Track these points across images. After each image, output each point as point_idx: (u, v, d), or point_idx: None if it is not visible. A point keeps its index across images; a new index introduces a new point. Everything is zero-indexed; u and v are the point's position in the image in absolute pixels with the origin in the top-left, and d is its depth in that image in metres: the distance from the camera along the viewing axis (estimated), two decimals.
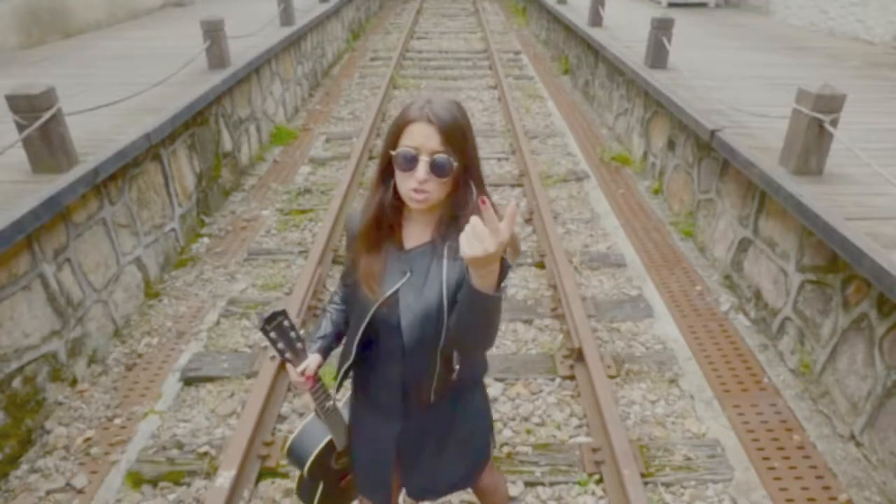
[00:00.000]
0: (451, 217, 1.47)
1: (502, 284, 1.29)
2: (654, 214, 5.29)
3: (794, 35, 7.97)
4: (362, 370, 1.69)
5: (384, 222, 1.51)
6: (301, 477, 1.92)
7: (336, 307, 1.78)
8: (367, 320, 1.54)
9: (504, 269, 1.28)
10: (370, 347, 1.61)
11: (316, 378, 1.68)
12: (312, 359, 1.65)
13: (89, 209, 3.56)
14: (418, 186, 1.37)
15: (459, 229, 1.27)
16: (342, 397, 1.92)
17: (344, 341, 1.72)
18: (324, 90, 9.11)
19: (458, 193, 1.45)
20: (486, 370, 1.85)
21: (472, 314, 1.33)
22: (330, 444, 1.85)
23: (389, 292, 1.51)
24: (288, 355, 1.59)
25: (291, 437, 1.88)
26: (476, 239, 1.15)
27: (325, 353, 1.72)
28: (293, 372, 1.62)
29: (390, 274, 1.52)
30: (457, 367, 1.61)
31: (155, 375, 3.44)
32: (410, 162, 1.37)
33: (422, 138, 1.36)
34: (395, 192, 1.47)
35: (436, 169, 1.36)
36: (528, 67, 10.30)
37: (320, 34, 9.56)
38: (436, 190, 1.39)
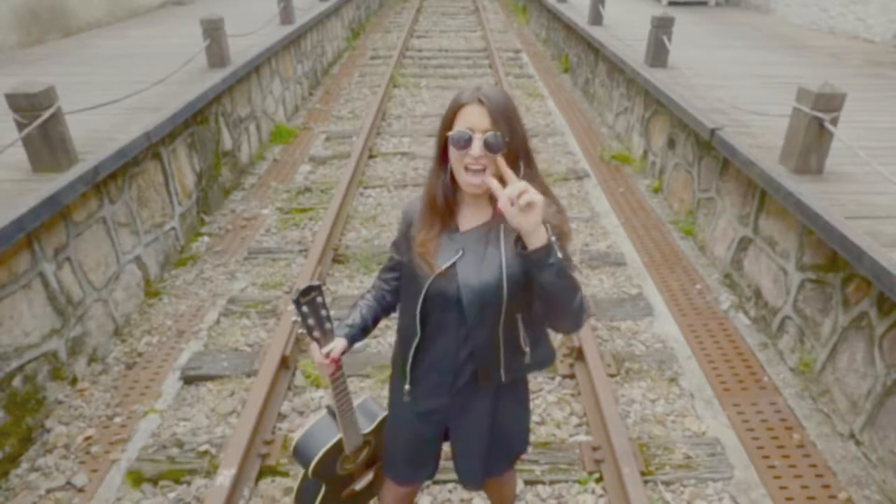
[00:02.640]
0: None
1: (551, 238, 1.39)
2: (654, 213, 5.29)
3: (794, 33, 7.96)
4: (416, 350, 1.71)
5: (441, 204, 1.59)
6: (304, 478, 1.87)
7: (367, 303, 1.81)
8: (423, 294, 1.60)
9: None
10: (427, 324, 1.65)
11: (339, 364, 1.66)
12: (339, 342, 1.67)
13: (89, 208, 3.56)
14: (473, 162, 1.46)
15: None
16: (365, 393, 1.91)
17: (399, 324, 1.76)
18: (324, 89, 9.11)
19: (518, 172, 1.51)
20: (552, 360, 1.84)
21: (548, 284, 1.42)
22: (338, 446, 1.80)
23: (445, 266, 1.57)
24: (316, 333, 1.57)
25: (298, 434, 1.82)
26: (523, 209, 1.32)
27: (351, 341, 1.74)
28: (317, 353, 1.63)
29: (444, 251, 1.59)
30: (527, 349, 1.68)
31: (155, 374, 3.44)
32: (466, 141, 1.46)
33: (475, 118, 1.46)
34: (452, 179, 1.57)
35: (489, 146, 1.44)
36: (528, 66, 10.30)
37: (320, 33, 9.56)
38: (490, 167, 1.47)
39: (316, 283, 1.54)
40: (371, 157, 6.49)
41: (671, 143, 5.44)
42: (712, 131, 4.32)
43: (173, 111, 4.43)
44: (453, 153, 1.50)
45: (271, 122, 7.07)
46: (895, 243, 2.80)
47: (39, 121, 3.22)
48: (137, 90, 4.56)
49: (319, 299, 1.54)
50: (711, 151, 4.55)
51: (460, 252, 1.57)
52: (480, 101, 1.45)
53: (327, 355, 1.62)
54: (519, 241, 1.42)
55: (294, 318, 1.54)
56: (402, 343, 1.75)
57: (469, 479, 1.92)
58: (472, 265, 1.56)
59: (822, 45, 7.19)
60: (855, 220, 3.00)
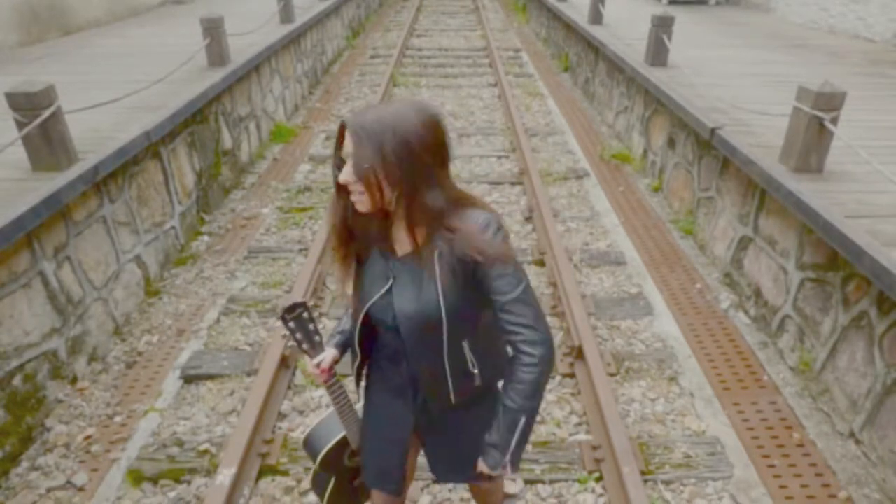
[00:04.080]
0: (428, 223, 1.43)
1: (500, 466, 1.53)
2: (654, 212, 5.29)
3: (794, 33, 7.96)
4: (374, 367, 1.72)
5: (346, 232, 1.51)
6: (316, 469, 1.96)
7: None
8: (360, 319, 1.58)
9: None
10: (374, 345, 1.64)
11: (331, 373, 1.72)
12: (328, 353, 1.69)
13: (89, 207, 3.56)
14: (350, 188, 1.38)
15: (445, 234, 1.41)
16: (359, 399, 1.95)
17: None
18: (324, 88, 9.10)
19: (407, 200, 1.40)
20: None
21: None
22: (343, 441, 1.88)
23: (371, 301, 1.53)
24: (305, 346, 1.64)
25: (309, 428, 1.93)
26: None
27: (343, 348, 1.75)
28: (310, 364, 1.66)
29: (378, 278, 1.53)
30: (475, 371, 1.63)
31: (155, 373, 3.44)
32: (339, 167, 1.41)
33: (347, 143, 1.36)
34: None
35: (356, 172, 1.35)
36: (528, 65, 10.29)
37: (320, 32, 9.55)
38: (366, 193, 1.37)
39: (300, 300, 1.62)
40: None
41: (671, 142, 5.44)
42: (712, 130, 4.32)
43: (173, 110, 4.43)
44: None
45: (271, 121, 7.07)
46: (895, 242, 2.80)
47: (39, 120, 3.22)
48: (137, 89, 4.56)
49: (305, 315, 1.61)
50: (711, 150, 4.55)
51: (391, 279, 1.51)
52: (347, 124, 1.35)
53: (318, 366, 1.66)
54: None
55: (284, 333, 1.63)
56: (351, 357, 1.73)
57: (440, 479, 1.91)
58: (406, 293, 1.49)
59: (822, 44, 7.18)
60: (855, 219, 3.00)
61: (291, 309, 1.59)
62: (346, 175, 1.36)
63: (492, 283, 1.43)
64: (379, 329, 1.61)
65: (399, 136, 1.32)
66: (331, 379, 1.72)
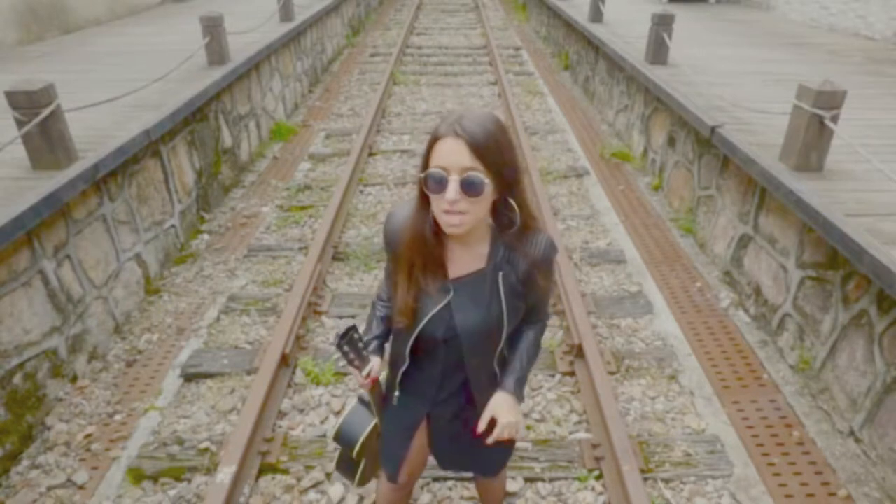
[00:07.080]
0: (500, 240, 1.49)
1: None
2: (654, 211, 5.29)
3: (794, 31, 7.95)
4: (406, 371, 1.75)
5: (426, 248, 1.46)
6: (347, 457, 2.05)
7: (383, 304, 1.80)
8: (415, 335, 1.58)
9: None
10: (416, 354, 1.67)
11: (377, 378, 1.78)
12: (374, 361, 1.70)
13: (89, 206, 3.56)
14: (449, 208, 1.29)
15: (507, 249, 1.48)
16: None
17: (391, 348, 1.76)
18: (324, 86, 9.10)
19: (499, 215, 1.43)
20: None
21: None
22: (375, 429, 1.98)
23: (429, 315, 1.53)
24: (357, 363, 1.69)
25: (338, 423, 2.02)
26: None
27: (382, 351, 1.79)
28: (359, 376, 1.65)
29: (430, 297, 1.52)
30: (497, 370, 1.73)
31: (155, 372, 3.44)
32: (440, 183, 1.29)
33: (452, 156, 1.27)
34: (435, 221, 1.39)
35: (467, 188, 1.28)
36: (529, 63, 10.29)
37: (320, 30, 9.55)
38: (470, 211, 1.31)
39: (350, 324, 1.64)
40: (371, 154, 6.48)
41: (671, 141, 5.44)
42: (712, 129, 4.32)
43: (173, 109, 4.42)
44: (431, 196, 1.33)
45: (271, 120, 7.07)
46: (895, 241, 2.80)
47: (39, 118, 3.22)
48: (137, 88, 4.55)
49: (356, 335, 1.65)
50: (712, 149, 4.55)
51: (450, 293, 1.51)
52: (457, 134, 1.26)
53: (367, 376, 1.66)
54: None
55: (337, 357, 1.68)
56: (391, 363, 1.77)
57: (446, 467, 2.01)
58: (469, 310, 1.51)
59: (822, 43, 7.18)
60: (855, 218, 3.00)
61: (345, 335, 1.62)
62: (454, 192, 1.28)
63: (536, 302, 1.61)
64: (429, 340, 1.61)
65: (508, 147, 1.33)
66: (375, 383, 1.79)
